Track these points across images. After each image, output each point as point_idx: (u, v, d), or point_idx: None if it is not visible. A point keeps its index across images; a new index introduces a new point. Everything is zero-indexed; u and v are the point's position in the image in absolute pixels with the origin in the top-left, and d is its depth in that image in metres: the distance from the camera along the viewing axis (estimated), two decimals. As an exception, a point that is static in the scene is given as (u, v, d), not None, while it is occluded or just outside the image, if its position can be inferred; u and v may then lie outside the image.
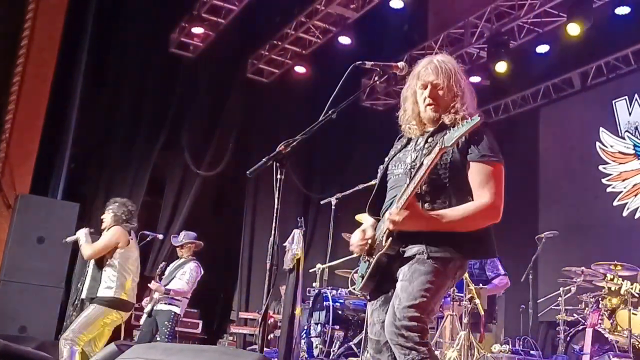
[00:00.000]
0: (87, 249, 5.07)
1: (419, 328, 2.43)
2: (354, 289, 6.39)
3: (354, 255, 6.77)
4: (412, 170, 2.61)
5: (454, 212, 2.52)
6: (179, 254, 6.66)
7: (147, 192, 9.59)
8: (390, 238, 2.55)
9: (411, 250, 2.55)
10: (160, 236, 7.24)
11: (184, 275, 6.39)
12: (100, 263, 5.05)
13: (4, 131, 7.87)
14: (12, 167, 7.94)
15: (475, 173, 2.58)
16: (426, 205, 2.58)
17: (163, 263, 6.43)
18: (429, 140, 2.70)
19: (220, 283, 10.52)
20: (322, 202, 7.18)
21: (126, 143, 9.50)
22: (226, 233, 10.53)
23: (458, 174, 2.58)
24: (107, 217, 5.23)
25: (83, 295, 5.02)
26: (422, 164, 2.51)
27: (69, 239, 5.43)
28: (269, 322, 8.25)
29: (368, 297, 2.76)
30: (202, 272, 6.50)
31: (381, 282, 2.65)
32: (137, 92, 9.60)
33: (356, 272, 6.25)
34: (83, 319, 4.89)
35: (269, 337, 8.31)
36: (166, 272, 6.53)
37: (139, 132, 9.63)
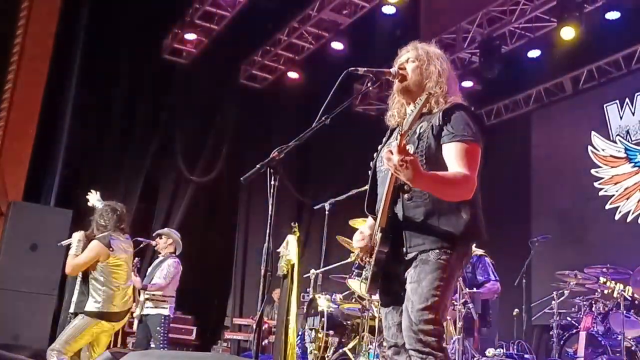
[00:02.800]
0: (70, 262, 4.94)
1: (436, 331, 2.44)
2: (358, 296, 6.39)
3: (348, 260, 6.80)
4: None
5: (440, 176, 2.48)
6: (159, 252, 6.65)
7: (141, 198, 9.57)
8: (381, 234, 2.55)
9: (412, 252, 2.55)
10: (154, 242, 7.21)
11: (162, 272, 6.37)
12: (86, 277, 4.95)
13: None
14: (4, 174, 7.90)
15: (448, 153, 2.55)
16: (406, 196, 2.57)
17: (136, 259, 6.31)
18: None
19: (215, 289, 10.52)
20: (315, 207, 7.20)
21: (119, 149, 9.48)
22: (220, 239, 10.51)
23: (435, 161, 2.55)
24: (93, 226, 5.12)
25: (71, 310, 4.93)
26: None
27: (64, 242, 5.37)
28: (264, 328, 8.29)
29: (380, 302, 2.75)
30: (181, 268, 6.47)
31: (388, 285, 2.65)
32: (130, 99, 9.59)
33: (350, 277, 6.27)
34: (70, 329, 4.82)
35: (263, 343, 8.31)
36: (147, 273, 6.54)
37: (132, 139, 9.62)
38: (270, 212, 2.90)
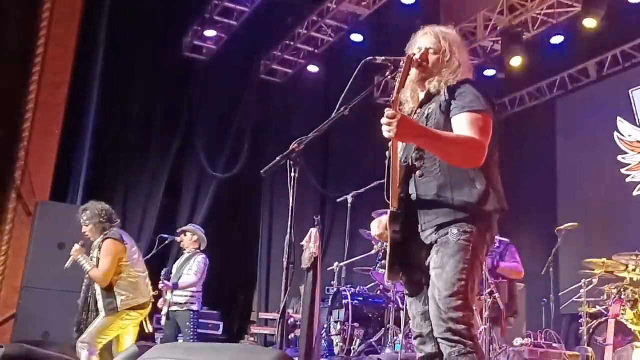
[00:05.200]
0: (96, 276, 4.96)
1: (466, 318, 2.38)
2: (383, 288, 6.39)
3: (372, 252, 6.81)
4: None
5: (444, 133, 2.44)
6: (184, 249, 6.72)
7: (165, 196, 9.64)
8: (391, 212, 2.51)
9: (427, 229, 2.51)
10: (179, 239, 7.30)
11: (191, 270, 6.43)
12: (110, 282, 4.99)
13: (22, 139, 7.93)
14: (32, 174, 8.00)
15: (458, 125, 2.50)
16: (417, 173, 2.55)
17: (165, 269, 6.44)
18: (418, 112, 2.70)
19: (240, 284, 10.57)
20: (338, 201, 7.29)
21: (142, 147, 9.57)
22: (244, 234, 10.56)
23: None
24: (88, 229, 5.15)
25: (103, 315, 4.96)
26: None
27: (67, 264, 5.26)
28: (289, 321, 8.33)
29: (405, 292, 2.71)
30: (208, 263, 6.54)
31: (411, 274, 2.61)
32: (151, 96, 9.66)
33: (374, 269, 6.30)
34: (100, 321, 4.93)
35: (289, 337, 8.35)
36: (173, 272, 6.59)
37: (154, 137, 9.69)
38: (291, 204, 2.92)
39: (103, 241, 5.01)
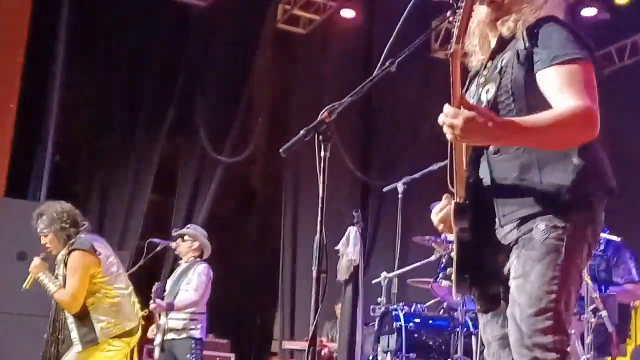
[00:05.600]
0: (63, 299, 4.97)
1: (557, 344, 2.34)
2: (448, 305, 6.37)
3: (432, 259, 6.78)
4: None
5: (534, 118, 2.35)
6: (182, 256, 6.79)
7: (155, 189, 9.76)
8: (455, 204, 2.47)
9: (507, 224, 2.47)
10: (174, 244, 7.34)
11: (189, 284, 6.48)
12: (84, 305, 4.99)
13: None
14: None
15: (547, 83, 2.42)
16: (491, 148, 2.50)
17: (157, 284, 6.48)
18: (488, 65, 2.65)
19: (256, 304, 10.71)
20: (385, 190, 7.25)
21: (125, 126, 9.66)
22: (260, 236, 10.72)
23: (530, 98, 2.45)
24: (48, 240, 5.14)
25: (78, 349, 4.97)
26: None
27: (26, 284, 5.26)
28: (322, 353, 8.37)
29: (478, 310, 2.69)
30: (212, 275, 6.61)
31: (485, 284, 2.57)
32: (136, 58, 9.74)
33: (435, 280, 6.28)
34: (74, 356, 4.98)
35: None
36: (167, 287, 6.66)
37: (140, 111, 9.80)
38: (321, 195, 2.87)
39: (68, 254, 5.01)
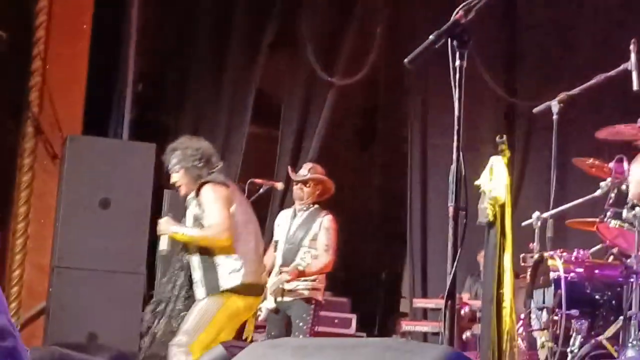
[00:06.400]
0: (208, 232, 5.27)
1: None
2: (619, 251, 6.24)
3: (597, 193, 6.65)
4: None
5: None
6: (300, 201, 6.82)
7: (254, 120, 9.85)
8: None
9: None
10: (280, 185, 7.40)
11: (316, 242, 6.54)
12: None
13: (36, 42, 8.24)
14: (53, 96, 8.36)
15: None
16: None
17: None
18: None
19: (381, 255, 10.78)
20: (535, 111, 7.16)
21: (216, 45, 9.74)
22: (384, 176, 10.76)
23: None
24: (179, 176, 5.48)
25: (201, 295, 5.30)
26: None
27: (162, 247, 5.61)
28: (462, 311, 8.44)
29: None
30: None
31: None
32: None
33: (602, 220, 6.13)
34: (197, 314, 5.28)
35: (463, 337, 8.45)
36: (282, 238, 6.72)
37: (233, 28, 9.85)
38: (457, 113, 2.93)
39: (199, 189, 5.33)
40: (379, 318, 10.46)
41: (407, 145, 10.65)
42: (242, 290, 5.30)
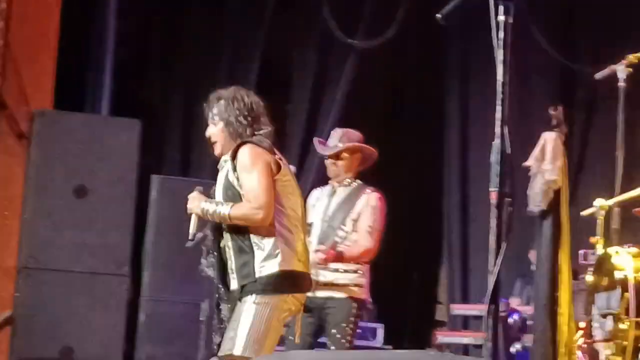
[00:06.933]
0: (245, 208, 4.99)
1: None
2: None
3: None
4: None
5: None
6: (336, 178, 6.66)
7: (259, 92, 9.67)
8: None
9: None
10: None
11: (359, 222, 6.43)
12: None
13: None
14: (19, 67, 8.21)
15: None
16: None
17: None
18: None
19: (412, 253, 10.76)
20: (598, 77, 7.22)
21: (212, 3, 9.87)
22: (416, 157, 10.72)
23: None
24: (216, 130, 5.24)
25: (234, 285, 5.06)
26: None
27: (193, 230, 5.31)
28: (510, 319, 8.59)
29: None
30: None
31: None
32: None
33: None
34: (246, 322, 4.93)
35: (510, 348, 8.52)
36: (316, 223, 6.58)
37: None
38: (501, 78, 2.95)
39: (236, 150, 5.09)
40: (409, 328, 10.55)
41: (444, 121, 10.85)
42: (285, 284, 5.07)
